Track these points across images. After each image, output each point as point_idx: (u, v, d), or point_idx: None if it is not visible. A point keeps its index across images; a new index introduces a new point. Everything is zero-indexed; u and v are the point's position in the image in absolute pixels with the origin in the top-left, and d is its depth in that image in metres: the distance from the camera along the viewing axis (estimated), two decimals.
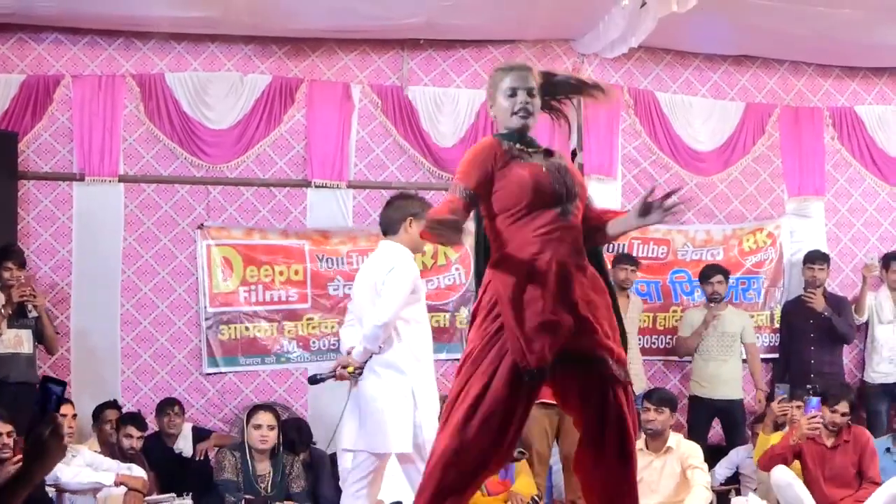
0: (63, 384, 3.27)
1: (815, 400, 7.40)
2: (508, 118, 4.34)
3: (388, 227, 6.03)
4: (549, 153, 4.35)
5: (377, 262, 5.96)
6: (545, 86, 4.44)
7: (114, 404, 8.12)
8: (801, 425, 7.36)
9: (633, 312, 8.81)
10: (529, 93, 4.32)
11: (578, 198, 4.31)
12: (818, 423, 7.37)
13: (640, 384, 8.13)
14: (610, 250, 8.88)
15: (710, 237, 9.70)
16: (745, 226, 9.80)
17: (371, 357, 5.82)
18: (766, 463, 7.51)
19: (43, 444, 2.99)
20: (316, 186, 9.02)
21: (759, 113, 9.93)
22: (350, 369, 5.88)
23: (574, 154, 8.87)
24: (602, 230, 4.40)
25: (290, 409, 8.71)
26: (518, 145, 4.28)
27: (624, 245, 9.20)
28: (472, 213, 4.28)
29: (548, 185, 4.21)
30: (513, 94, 4.34)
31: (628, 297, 8.85)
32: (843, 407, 7.48)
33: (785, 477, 7.31)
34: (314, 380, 6.34)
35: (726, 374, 8.88)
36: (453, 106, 9.25)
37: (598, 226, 4.40)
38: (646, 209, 4.20)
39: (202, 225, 8.82)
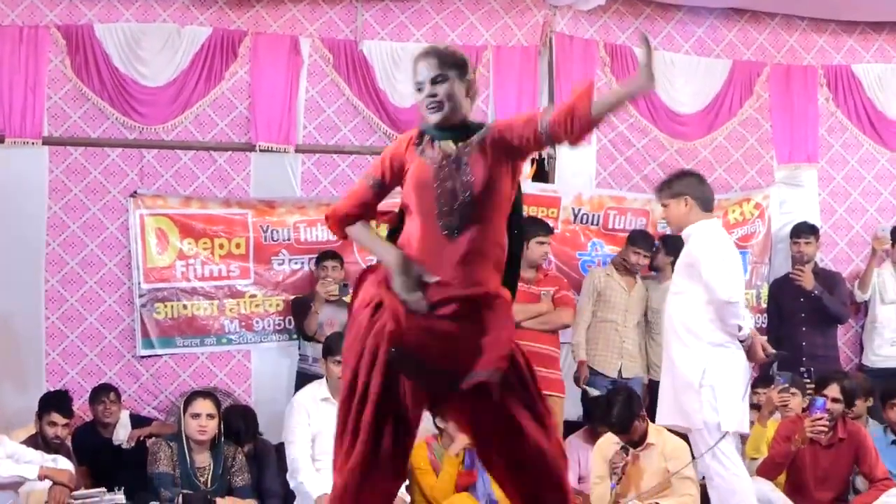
0: None
1: (820, 401, 7.40)
2: (425, 113, 4.33)
3: (712, 205, 6.67)
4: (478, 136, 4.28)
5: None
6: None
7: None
8: (804, 428, 7.37)
9: (639, 299, 9.02)
10: (435, 80, 4.26)
11: (472, 203, 4.21)
12: (824, 425, 7.38)
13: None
14: (603, 226, 9.44)
15: None
16: (731, 196, 9.84)
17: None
18: (771, 472, 7.48)
19: None
20: (260, 150, 9.04)
21: (746, 71, 10.02)
22: None
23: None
24: (579, 117, 3.99)
25: (232, 396, 8.79)
26: (442, 140, 4.29)
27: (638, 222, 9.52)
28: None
29: (429, 187, 4.25)
30: (419, 87, 4.32)
31: (636, 281, 9.00)
32: (834, 391, 7.50)
33: (763, 489, 7.12)
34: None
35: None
36: (411, 62, 9.14)
37: (567, 118, 4.02)
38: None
39: (135, 192, 8.83)
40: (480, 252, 4.24)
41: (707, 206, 6.53)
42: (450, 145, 4.26)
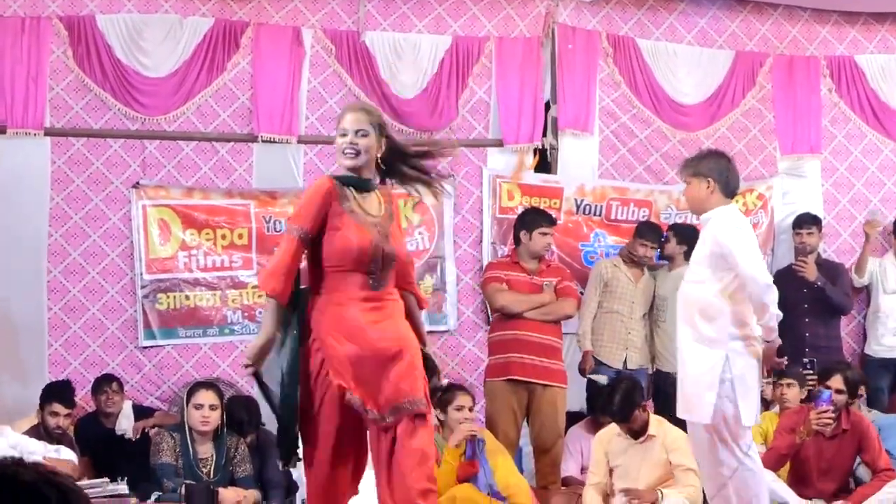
0: None
1: (826, 393, 7.38)
2: (340, 156, 5.06)
3: (736, 192, 6.65)
4: (384, 201, 5.06)
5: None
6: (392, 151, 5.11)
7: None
8: (810, 420, 7.34)
9: (646, 291, 9.02)
10: (358, 133, 4.97)
11: (391, 267, 5.04)
12: (830, 417, 7.36)
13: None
14: (605, 217, 9.49)
15: None
16: None
17: None
18: (775, 463, 7.43)
19: None
20: (263, 141, 9.05)
21: (749, 62, 10.03)
22: None
23: (547, 107, 9.30)
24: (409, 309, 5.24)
25: (235, 387, 8.75)
26: (353, 190, 4.98)
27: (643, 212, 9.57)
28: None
29: (367, 254, 4.94)
30: (343, 133, 5.00)
31: (643, 272, 9.04)
32: (837, 382, 7.49)
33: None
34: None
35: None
36: (414, 53, 9.28)
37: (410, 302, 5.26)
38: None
39: (137, 183, 8.84)
40: (395, 302, 5.07)
41: (729, 191, 6.44)
42: (372, 207, 5.04)
